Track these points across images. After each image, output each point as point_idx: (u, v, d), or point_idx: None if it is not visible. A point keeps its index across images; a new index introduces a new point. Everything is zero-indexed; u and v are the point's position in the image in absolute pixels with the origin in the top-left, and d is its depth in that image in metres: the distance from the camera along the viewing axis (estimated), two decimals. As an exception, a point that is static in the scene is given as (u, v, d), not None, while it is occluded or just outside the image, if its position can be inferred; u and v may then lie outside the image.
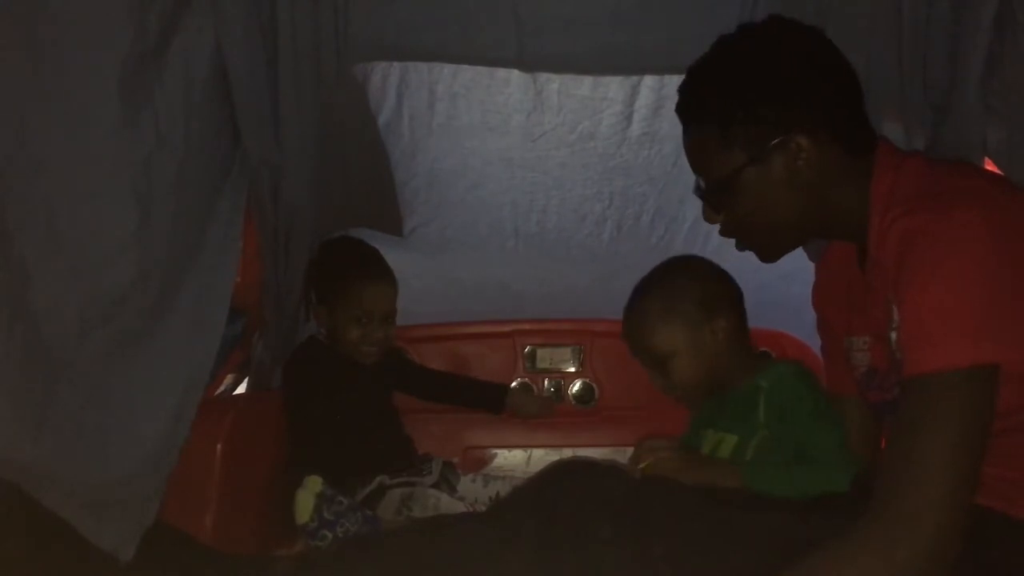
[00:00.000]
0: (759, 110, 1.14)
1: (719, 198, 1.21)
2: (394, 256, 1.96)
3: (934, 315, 0.98)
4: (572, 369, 2.37)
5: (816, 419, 1.39)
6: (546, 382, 2.37)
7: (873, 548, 0.96)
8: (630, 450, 2.25)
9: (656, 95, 1.85)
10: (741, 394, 1.48)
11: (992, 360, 0.96)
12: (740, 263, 1.69)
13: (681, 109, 1.24)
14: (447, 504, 1.80)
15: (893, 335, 1.10)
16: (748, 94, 1.15)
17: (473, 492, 1.90)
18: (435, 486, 1.88)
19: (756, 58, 1.16)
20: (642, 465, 1.36)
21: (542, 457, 2.26)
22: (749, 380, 1.47)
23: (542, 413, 2.23)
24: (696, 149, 1.23)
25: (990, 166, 1.40)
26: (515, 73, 1.81)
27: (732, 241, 1.24)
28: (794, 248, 1.25)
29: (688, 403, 1.56)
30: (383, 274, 1.92)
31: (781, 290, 2.09)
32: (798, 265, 1.84)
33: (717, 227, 2.02)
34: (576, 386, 2.37)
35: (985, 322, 0.97)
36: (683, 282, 1.51)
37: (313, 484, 1.62)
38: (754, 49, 1.18)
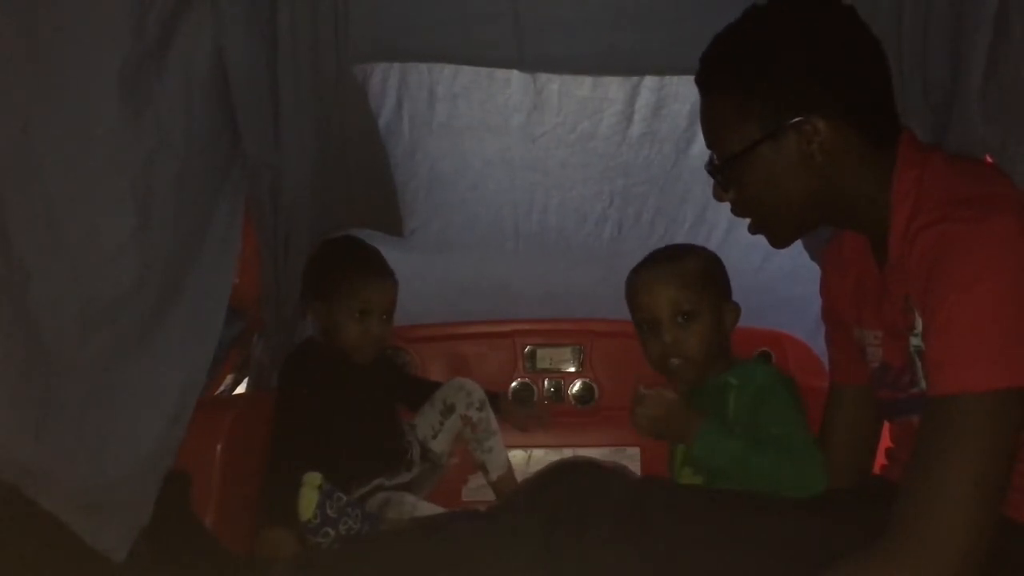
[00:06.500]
0: (780, 86, 1.10)
1: (729, 174, 1.17)
2: (394, 256, 1.96)
3: (964, 335, 0.97)
4: (572, 369, 2.38)
5: (795, 412, 1.41)
6: (546, 382, 2.37)
7: (897, 571, 0.96)
8: (630, 450, 2.31)
9: (656, 95, 1.85)
10: (708, 391, 1.50)
11: (1021, 384, 0.95)
12: (742, 263, 1.70)
13: (702, 75, 1.20)
14: (424, 510, 1.78)
15: (913, 340, 1.10)
16: (772, 68, 1.11)
17: None
18: None
19: (787, 33, 1.12)
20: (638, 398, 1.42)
21: (542, 457, 2.27)
22: (718, 378, 1.50)
23: (534, 423, 2.22)
24: (711, 120, 1.19)
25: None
26: (515, 73, 1.81)
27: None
28: (805, 234, 1.22)
29: (681, 375, 1.53)
30: (383, 270, 1.91)
31: (782, 290, 2.09)
32: (799, 264, 1.85)
33: (717, 228, 2.07)
34: (576, 386, 2.37)
35: (1016, 344, 0.95)
36: (718, 261, 1.59)
37: (313, 480, 1.62)
38: (786, 23, 1.13)
